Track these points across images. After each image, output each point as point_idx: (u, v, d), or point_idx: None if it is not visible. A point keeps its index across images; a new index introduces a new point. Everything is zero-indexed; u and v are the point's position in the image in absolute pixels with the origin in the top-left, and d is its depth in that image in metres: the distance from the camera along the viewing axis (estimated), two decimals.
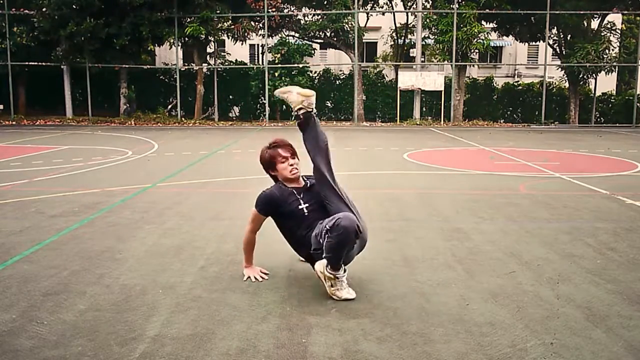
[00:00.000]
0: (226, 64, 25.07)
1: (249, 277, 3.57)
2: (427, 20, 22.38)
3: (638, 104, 22.46)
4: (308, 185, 3.57)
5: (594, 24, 23.09)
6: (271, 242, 4.45)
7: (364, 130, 19.60)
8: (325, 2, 23.24)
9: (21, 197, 6.29)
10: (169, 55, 27.83)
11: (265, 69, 22.39)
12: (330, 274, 3.24)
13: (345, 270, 3.29)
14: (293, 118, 3.53)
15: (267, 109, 22.80)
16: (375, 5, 25.22)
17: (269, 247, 4.15)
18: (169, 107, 24.37)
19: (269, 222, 3.62)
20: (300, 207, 3.44)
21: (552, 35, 23.36)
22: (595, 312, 3.08)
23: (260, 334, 2.78)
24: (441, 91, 22.10)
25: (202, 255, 4.12)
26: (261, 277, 3.58)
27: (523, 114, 25.16)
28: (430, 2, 23.42)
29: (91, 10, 19.48)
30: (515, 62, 32.00)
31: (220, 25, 21.88)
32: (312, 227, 3.39)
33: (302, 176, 3.61)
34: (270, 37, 23.17)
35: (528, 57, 32.55)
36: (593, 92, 24.65)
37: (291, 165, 3.50)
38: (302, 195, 3.49)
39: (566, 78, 23.65)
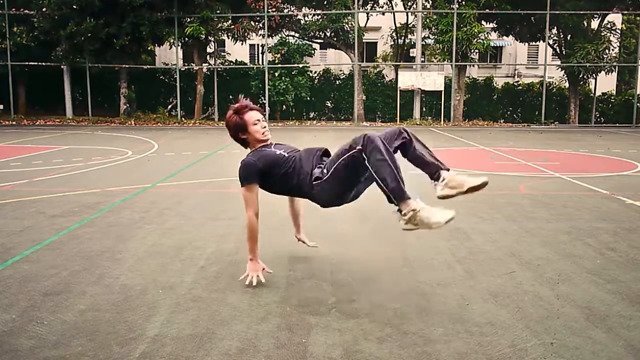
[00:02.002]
0: (226, 64, 25.09)
1: (247, 275, 3.40)
2: (427, 20, 22.39)
3: (638, 104, 22.47)
4: (274, 143, 3.59)
5: (594, 24, 23.09)
6: (271, 241, 4.45)
7: (364, 130, 19.58)
8: (325, 2, 23.24)
9: (21, 197, 6.29)
10: (169, 55, 27.84)
11: (265, 69, 22.40)
12: (408, 213, 2.91)
13: (412, 198, 2.94)
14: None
15: (267, 108, 22.80)
16: (375, 5, 25.22)
17: (269, 247, 4.16)
18: (169, 107, 24.37)
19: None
20: (277, 153, 3.43)
21: (552, 35, 23.36)
22: (595, 312, 3.08)
23: (260, 334, 2.78)
24: (441, 91, 22.11)
25: (202, 255, 4.12)
26: (261, 277, 3.42)
27: (523, 114, 25.16)
28: (430, 2, 23.43)
29: (91, 10, 19.48)
30: (515, 62, 32.00)
31: (220, 25, 21.88)
32: (295, 167, 3.35)
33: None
34: (270, 37, 23.17)
35: (528, 57, 32.55)
36: (593, 92, 24.65)
37: (263, 127, 3.53)
38: (272, 147, 3.51)
39: (566, 78, 23.66)
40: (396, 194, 2.96)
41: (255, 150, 3.53)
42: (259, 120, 3.53)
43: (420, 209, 2.92)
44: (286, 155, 3.41)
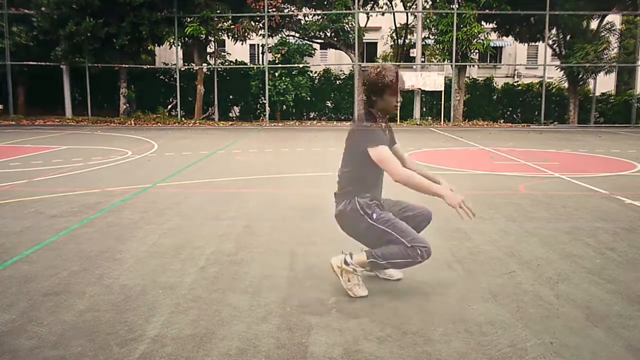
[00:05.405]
0: (226, 64, 25.08)
1: (460, 207, 3.18)
2: (427, 20, 22.39)
3: (637, 104, 22.47)
4: (389, 129, 3.50)
5: (594, 24, 23.11)
6: (271, 241, 4.45)
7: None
8: (325, 2, 23.25)
9: (21, 197, 6.29)
10: (169, 55, 27.83)
11: (265, 69, 22.39)
12: (349, 267, 3.30)
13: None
14: None
15: (267, 108, 22.80)
16: (375, 6, 25.22)
17: (268, 246, 4.16)
18: (169, 107, 24.36)
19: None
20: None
21: (551, 36, 23.37)
22: (595, 312, 3.08)
23: (260, 334, 2.78)
24: (441, 91, 22.11)
25: (202, 255, 4.12)
26: (469, 204, 3.19)
27: (523, 114, 25.18)
28: (430, 2, 23.43)
29: (91, 9, 19.46)
30: (515, 63, 32.01)
31: (220, 25, 21.87)
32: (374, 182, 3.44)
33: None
34: (270, 37, 23.16)
35: (528, 58, 32.57)
36: (592, 92, 24.67)
37: (399, 101, 3.34)
38: (387, 134, 3.42)
39: (565, 78, 23.67)
40: (376, 265, 3.30)
41: (377, 125, 3.27)
42: (400, 91, 3.26)
43: (358, 275, 3.33)
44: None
